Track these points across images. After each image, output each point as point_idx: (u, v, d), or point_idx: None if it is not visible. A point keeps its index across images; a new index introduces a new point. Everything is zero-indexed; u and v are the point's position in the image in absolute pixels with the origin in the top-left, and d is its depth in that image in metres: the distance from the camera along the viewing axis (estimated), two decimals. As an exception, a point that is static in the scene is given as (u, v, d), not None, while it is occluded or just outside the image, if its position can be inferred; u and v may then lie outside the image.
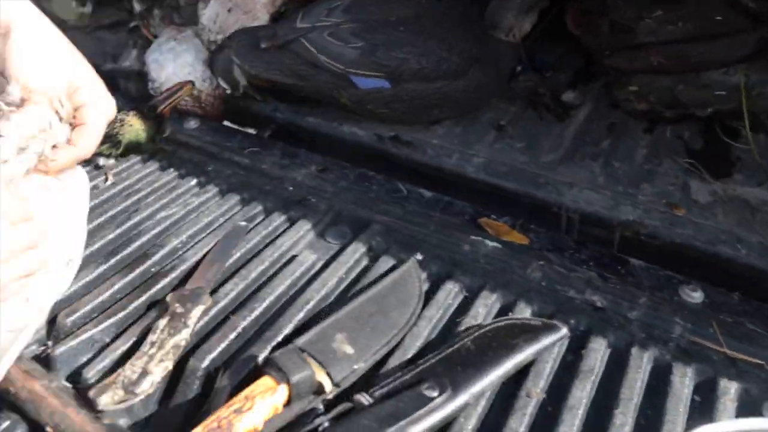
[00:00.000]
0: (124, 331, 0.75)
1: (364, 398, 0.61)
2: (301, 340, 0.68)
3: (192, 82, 1.10)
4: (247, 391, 0.61)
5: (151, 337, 0.70)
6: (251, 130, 1.25)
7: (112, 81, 1.40)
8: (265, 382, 0.62)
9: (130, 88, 1.39)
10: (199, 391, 0.68)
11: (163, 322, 0.72)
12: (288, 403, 0.62)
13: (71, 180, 0.69)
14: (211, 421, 0.57)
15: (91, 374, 0.70)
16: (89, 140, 0.66)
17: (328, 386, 0.64)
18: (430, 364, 0.66)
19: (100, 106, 0.68)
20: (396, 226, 0.91)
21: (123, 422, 0.65)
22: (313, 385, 0.63)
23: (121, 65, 1.32)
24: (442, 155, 1.11)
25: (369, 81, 1.08)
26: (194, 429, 0.57)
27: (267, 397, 0.60)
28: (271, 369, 0.63)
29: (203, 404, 0.67)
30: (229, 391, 0.65)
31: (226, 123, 1.27)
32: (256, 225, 0.92)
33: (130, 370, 0.67)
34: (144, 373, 0.66)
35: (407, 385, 0.63)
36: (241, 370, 0.68)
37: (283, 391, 0.61)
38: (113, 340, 0.74)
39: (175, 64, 1.21)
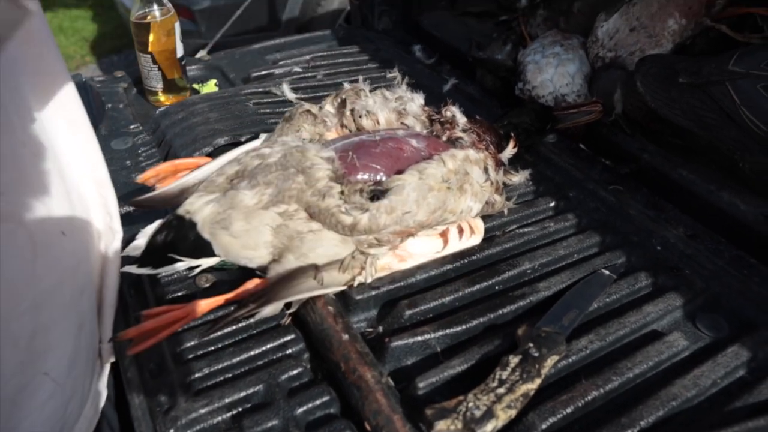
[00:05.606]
0: (463, 349, 0.69)
1: None
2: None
3: (602, 104, 1.00)
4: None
5: (501, 374, 0.62)
6: (604, 160, 1.12)
7: (472, 69, 1.37)
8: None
9: (487, 80, 1.35)
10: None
11: (514, 361, 0.64)
12: None
13: None
14: None
15: (422, 384, 0.65)
16: None
17: None
18: None
19: None
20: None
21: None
22: None
23: (491, 56, 1.27)
24: None
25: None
26: None
27: None
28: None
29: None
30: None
31: (581, 145, 1.15)
32: (619, 279, 0.79)
33: (473, 403, 0.59)
34: (489, 413, 0.59)
35: None
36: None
37: None
38: (449, 355, 0.68)
39: (555, 71, 1.12)
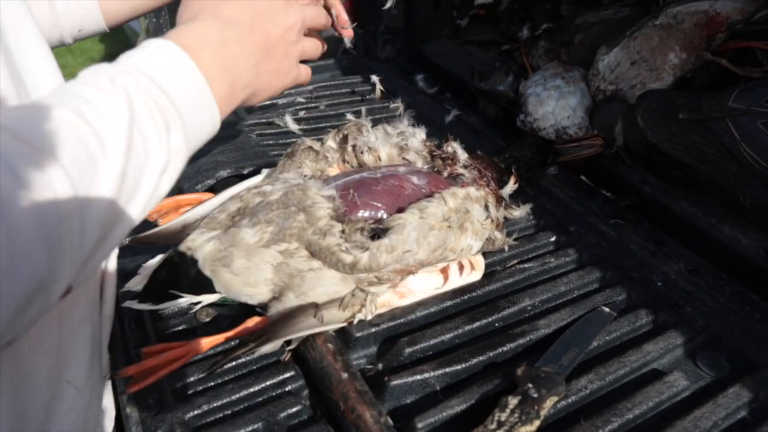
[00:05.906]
0: (462, 388, 0.69)
1: None
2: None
3: (603, 138, 1.00)
4: None
5: (499, 415, 0.62)
6: (605, 192, 1.13)
7: (474, 98, 1.38)
8: None
9: (489, 110, 1.36)
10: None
11: (513, 402, 0.64)
12: None
13: None
14: None
15: (421, 425, 0.65)
16: None
17: None
18: None
19: None
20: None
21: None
22: None
23: (493, 87, 1.28)
24: None
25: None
26: None
27: None
28: None
29: None
30: None
31: (582, 177, 1.16)
32: (620, 317, 0.79)
33: (473, 443, 0.59)
34: (489, 454, 0.58)
35: None
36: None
37: None
38: (448, 394, 0.68)
39: (556, 104, 1.13)
